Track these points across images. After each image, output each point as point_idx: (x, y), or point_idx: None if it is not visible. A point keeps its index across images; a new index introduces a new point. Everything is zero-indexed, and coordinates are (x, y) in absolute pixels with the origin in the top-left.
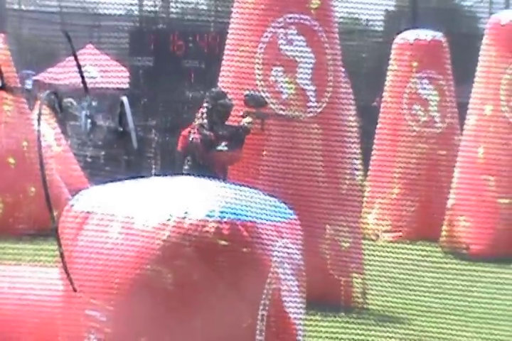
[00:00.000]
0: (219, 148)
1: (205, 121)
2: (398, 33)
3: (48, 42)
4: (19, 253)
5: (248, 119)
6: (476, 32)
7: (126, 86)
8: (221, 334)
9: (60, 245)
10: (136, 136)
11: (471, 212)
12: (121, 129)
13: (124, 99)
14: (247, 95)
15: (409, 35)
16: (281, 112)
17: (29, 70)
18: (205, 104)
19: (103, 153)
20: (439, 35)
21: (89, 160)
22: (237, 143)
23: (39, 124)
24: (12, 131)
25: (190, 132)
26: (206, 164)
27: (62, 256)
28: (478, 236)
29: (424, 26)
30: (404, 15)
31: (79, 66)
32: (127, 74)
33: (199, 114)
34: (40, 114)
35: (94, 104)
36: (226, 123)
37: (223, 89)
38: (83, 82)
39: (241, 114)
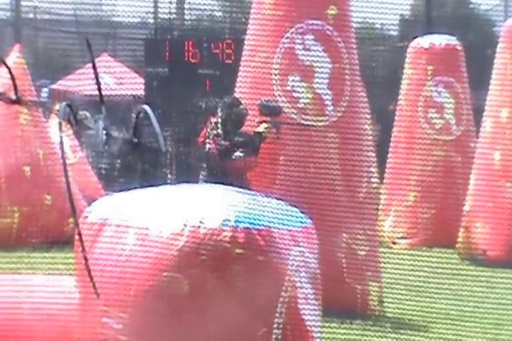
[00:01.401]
0: (235, 155)
1: (220, 130)
2: (413, 39)
3: (63, 51)
4: (35, 263)
5: (264, 126)
6: (491, 36)
7: (141, 94)
8: None
9: (83, 249)
10: (163, 139)
11: (487, 218)
12: (136, 140)
13: (146, 107)
14: (260, 104)
15: (424, 41)
16: (298, 120)
17: (45, 79)
18: (219, 113)
19: (118, 162)
20: (454, 40)
21: (104, 169)
22: (253, 150)
23: (61, 133)
24: (28, 140)
25: (205, 141)
26: (222, 172)
27: (85, 259)
28: (495, 242)
29: (439, 31)
30: (419, 21)
31: (96, 75)
32: (142, 82)
33: (213, 124)
34: (61, 126)
35: (108, 115)
36: (241, 130)
37: (237, 97)
38: (99, 92)
39: (256, 121)
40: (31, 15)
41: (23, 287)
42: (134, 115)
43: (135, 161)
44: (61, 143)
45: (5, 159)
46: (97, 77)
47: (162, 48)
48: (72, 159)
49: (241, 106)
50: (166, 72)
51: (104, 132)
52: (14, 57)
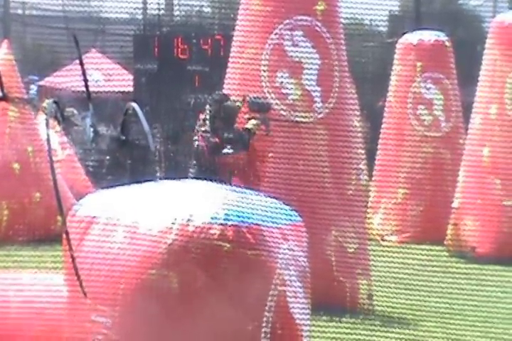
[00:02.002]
0: (224, 151)
1: (208, 126)
2: (402, 35)
3: (52, 47)
4: (24, 261)
5: (253, 122)
6: (480, 32)
7: (130, 90)
8: (226, 337)
9: (71, 248)
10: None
11: (476, 214)
12: (124, 138)
13: (134, 104)
14: (249, 101)
15: (413, 37)
16: (287, 115)
17: (34, 75)
18: (207, 109)
19: (107, 158)
20: (442, 36)
21: (93, 165)
22: (242, 146)
23: (48, 130)
24: (16, 137)
25: (193, 138)
26: (212, 168)
27: (73, 258)
28: (484, 238)
29: (428, 27)
30: (407, 17)
31: (84, 72)
32: (131, 78)
33: (201, 120)
34: (48, 123)
35: (96, 112)
36: (229, 126)
37: (225, 93)
38: (87, 89)
39: (246, 117)
40: (19, 11)
41: (11, 285)
42: (123, 112)
43: (123, 158)
44: (48, 140)
45: None
46: (84, 74)
47: (151, 44)
48: (60, 155)
49: (230, 102)
50: (154, 69)
51: (92, 129)
52: (2, 52)
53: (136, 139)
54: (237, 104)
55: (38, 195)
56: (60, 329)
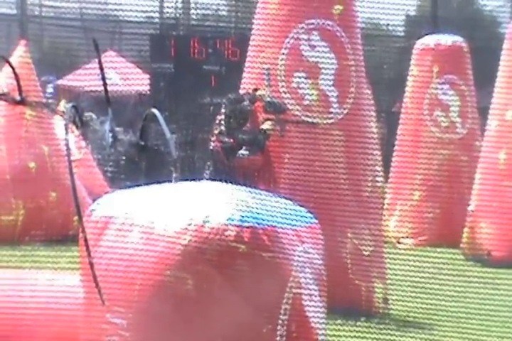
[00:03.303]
0: (240, 153)
1: (223, 127)
2: (419, 38)
3: (69, 47)
4: (40, 261)
5: (268, 124)
6: (497, 36)
7: (147, 90)
8: (241, 340)
9: (89, 254)
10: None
11: (492, 218)
12: (143, 143)
13: (155, 111)
14: (266, 101)
15: (430, 40)
16: (303, 118)
17: (50, 75)
18: (223, 110)
19: (124, 160)
20: (459, 40)
21: (110, 169)
22: (258, 147)
23: (67, 135)
24: (33, 138)
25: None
26: (227, 170)
27: (91, 266)
28: (500, 242)
29: (444, 31)
30: (424, 20)
31: (103, 77)
32: (147, 79)
33: (217, 121)
34: (67, 128)
35: (114, 115)
36: (245, 128)
37: (241, 94)
38: (106, 94)
39: (260, 119)
40: (37, 12)
41: (28, 284)
42: (142, 117)
43: (142, 163)
44: (67, 146)
45: (10, 155)
46: (103, 79)
47: (167, 45)
48: (77, 155)
49: (245, 103)
50: (171, 69)
51: (111, 134)
52: (20, 53)
53: (156, 145)
54: (250, 96)
55: (54, 195)
56: (75, 329)
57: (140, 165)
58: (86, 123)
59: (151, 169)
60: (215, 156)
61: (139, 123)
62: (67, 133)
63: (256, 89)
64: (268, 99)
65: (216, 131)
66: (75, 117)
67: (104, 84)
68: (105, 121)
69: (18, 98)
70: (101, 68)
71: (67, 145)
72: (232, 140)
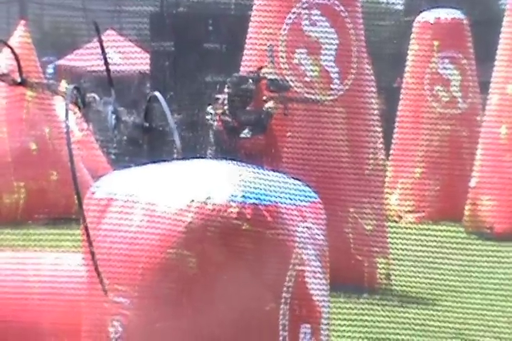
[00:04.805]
0: (242, 134)
1: (226, 107)
2: (419, 13)
3: (69, 27)
4: (43, 240)
5: (271, 104)
6: (497, 10)
7: (147, 69)
8: (244, 318)
9: (90, 244)
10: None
11: (494, 192)
12: (147, 125)
13: (157, 94)
14: (269, 79)
15: (430, 15)
16: (305, 95)
17: (51, 55)
18: (226, 90)
19: (126, 140)
20: (459, 15)
21: (114, 150)
22: (261, 128)
23: (67, 118)
24: (34, 120)
25: (211, 120)
26: (230, 151)
27: (93, 255)
28: (502, 215)
29: (444, 6)
30: None
31: (106, 60)
32: (148, 57)
33: (220, 101)
34: (67, 109)
35: (118, 98)
36: (248, 108)
37: (245, 74)
38: (108, 75)
39: (264, 98)
40: None
41: (31, 264)
42: (145, 98)
43: (145, 144)
44: (67, 129)
45: (11, 137)
46: (106, 61)
47: (168, 23)
48: (78, 135)
49: (249, 83)
50: (171, 47)
51: (114, 116)
52: (20, 34)
53: (160, 125)
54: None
55: (56, 174)
56: (78, 308)
57: (144, 146)
58: (88, 104)
59: (155, 150)
60: (217, 137)
61: (143, 104)
62: (67, 116)
63: (261, 67)
64: (271, 76)
65: (219, 111)
66: (77, 98)
67: (107, 67)
68: (108, 102)
69: (18, 79)
70: (102, 50)
71: (67, 128)
72: (235, 121)
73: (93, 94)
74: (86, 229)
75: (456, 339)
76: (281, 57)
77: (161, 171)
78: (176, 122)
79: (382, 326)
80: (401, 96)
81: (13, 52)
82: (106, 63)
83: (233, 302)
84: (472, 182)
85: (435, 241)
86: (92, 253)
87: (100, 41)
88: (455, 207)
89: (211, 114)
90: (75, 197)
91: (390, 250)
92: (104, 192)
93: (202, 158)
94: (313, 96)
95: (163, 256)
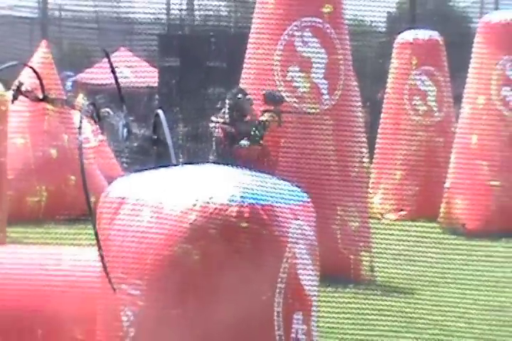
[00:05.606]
0: (241, 143)
1: (227, 117)
2: (399, 33)
3: (85, 49)
4: (61, 237)
5: (267, 116)
6: (468, 31)
7: (156, 84)
8: (243, 306)
9: (100, 248)
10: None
11: (466, 193)
12: (156, 137)
13: (160, 112)
14: (265, 94)
15: (409, 35)
16: (297, 106)
17: (70, 72)
18: (227, 102)
19: (136, 149)
20: (435, 35)
21: (126, 158)
22: (258, 137)
23: (80, 133)
24: (55, 130)
25: (213, 129)
26: (229, 157)
27: (102, 257)
28: (473, 214)
29: (422, 27)
30: (404, 17)
31: (116, 79)
32: (156, 73)
33: (222, 112)
34: (81, 123)
35: (129, 113)
36: (246, 119)
37: (243, 87)
38: (119, 92)
39: (261, 109)
40: (56, 14)
41: (52, 259)
42: (154, 113)
43: (154, 153)
44: (80, 145)
45: (34, 147)
46: (117, 81)
47: (174, 43)
48: (93, 142)
49: (246, 96)
50: (177, 64)
51: (125, 129)
52: (41, 52)
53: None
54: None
55: (74, 178)
56: (94, 298)
57: (152, 156)
58: (103, 118)
59: (162, 159)
60: (218, 144)
61: (151, 118)
62: (80, 133)
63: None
64: (267, 91)
65: (221, 120)
66: (93, 113)
67: (118, 85)
68: (120, 117)
69: (40, 96)
70: (113, 71)
71: (80, 143)
72: (234, 130)
73: (107, 109)
74: (96, 234)
75: (432, 324)
76: (276, 73)
77: (167, 175)
78: (181, 133)
79: (367, 313)
80: (383, 108)
81: (35, 72)
82: (117, 83)
83: (233, 293)
84: (447, 184)
85: (414, 236)
86: (102, 257)
87: (111, 64)
88: (431, 206)
89: (214, 122)
90: (87, 207)
91: (374, 245)
92: (117, 193)
93: (205, 162)
94: (304, 109)
95: (170, 252)
